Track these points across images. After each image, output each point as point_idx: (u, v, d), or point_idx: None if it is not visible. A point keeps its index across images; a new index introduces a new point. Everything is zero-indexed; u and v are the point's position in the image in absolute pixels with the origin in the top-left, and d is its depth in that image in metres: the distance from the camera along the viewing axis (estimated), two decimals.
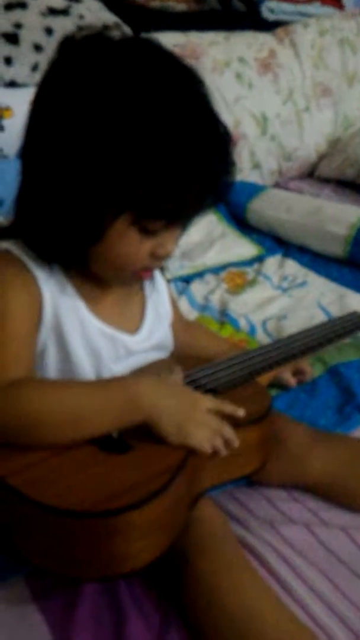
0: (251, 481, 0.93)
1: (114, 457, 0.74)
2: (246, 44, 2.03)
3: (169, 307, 0.98)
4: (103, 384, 0.80)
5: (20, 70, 1.65)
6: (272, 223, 1.73)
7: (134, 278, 0.84)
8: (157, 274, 0.94)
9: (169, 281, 1.01)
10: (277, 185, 2.06)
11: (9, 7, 1.70)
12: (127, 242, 0.76)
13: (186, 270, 1.54)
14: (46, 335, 0.81)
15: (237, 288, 1.51)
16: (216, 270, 1.57)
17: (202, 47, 1.93)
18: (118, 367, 0.87)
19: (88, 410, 0.74)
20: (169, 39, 1.81)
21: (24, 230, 0.79)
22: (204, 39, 1.97)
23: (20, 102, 1.53)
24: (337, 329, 1.13)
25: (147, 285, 0.93)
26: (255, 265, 1.61)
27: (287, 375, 1.12)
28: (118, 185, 0.71)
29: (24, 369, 0.77)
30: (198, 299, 1.45)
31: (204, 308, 1.42)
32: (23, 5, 1.72)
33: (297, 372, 1.14)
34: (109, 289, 0.86)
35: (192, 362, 0.94)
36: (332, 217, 1.63)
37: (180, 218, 0.78)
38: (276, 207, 1.73)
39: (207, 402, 0.79)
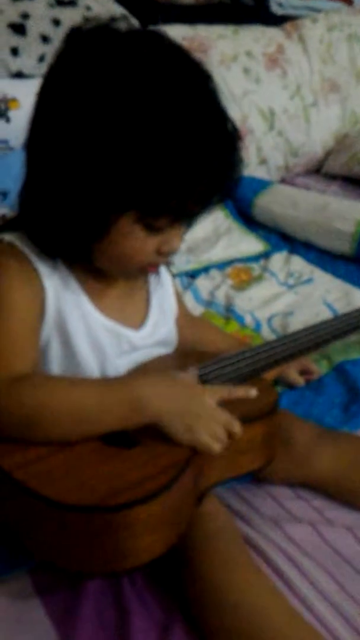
0: (256, 478, 0.93)
1: (120, 452, 0.73)
2: (254, 39, 2.02)
3: (174, 302, 0.97)
4: (109, 384, 0.79)
5: (27, 61, 1.64)
6: (278, 219, 1.72)
7: (140, 273, 0.83)
8: (163, 268, 0.93)
9: (174, 276, 1.00)
10: (283, 181, 2.05)
11: None
12: (132, 238, 0.75)
13: (192, 265, 1.53)
14: (49, 330, 0.80)
15: (243, 284, 1.50)
16: (221, 265, 1.57)
17: (209, 41, 1.92)
18: (122, 362, 0.87)
19: (92, 411, 0.73)
20: (177, 32, 1.81)
21: (27, 224, 0.78)
22: (211, 32, 1.95)
23: (27, 94, 1.51)
24: (344, 326, 1.13)
25: (152, 280, 0.93)
26: (261, 262, 1.61)
27: (294, 374, 1.12)
28: (122, 182, 0.70)
29: (28, 363, 0.77)
30: (203, 295, 1.45)
31: (209, 304, 1.42)
32: None
33: (304, 372, 1.13)
34: (113, 284, 0.85)
35: (197, 357, 0.93)
36: (339, 213, 1.62)
37: (186, 216, 0.77)
38: (283, 203, 1.73)
39: (217, 393, 0.78)
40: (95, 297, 0.83)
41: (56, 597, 0.75)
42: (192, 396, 0.77)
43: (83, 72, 0.70)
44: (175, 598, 0.76)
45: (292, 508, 0.90)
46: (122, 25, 0.73)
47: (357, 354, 1.22)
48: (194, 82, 0.72)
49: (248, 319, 1.36)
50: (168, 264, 0.94)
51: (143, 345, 0.89)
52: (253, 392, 0.80)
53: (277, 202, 1.73)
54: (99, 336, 0.84)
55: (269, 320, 1.37)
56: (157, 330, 0.91)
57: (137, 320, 0.90)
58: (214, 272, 1.54)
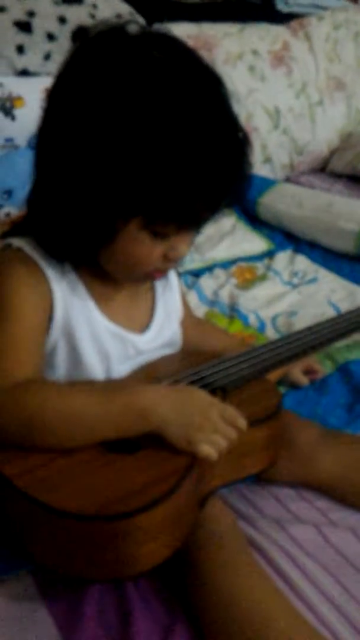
0: (260, 480, 0.93)
1: (121, 458, 0.73)
2: (260, 36, 2.01)
3: (180, 304, 0.97)
4: (109, 394, 0.76)
5: (32, 59, 1.63)
6: (282, 218, 1.72)
7: (146, 278, 0.83)
8: (172, 272, 0.93)
9: (179, 275, 1.00)
10: (288, 179, 2.05)
11: None
12: (138, 244, 0.75)
13: (196, 264, 1.53)
14: (56, 335, 0.80)
15: (247, 283, 1.50)
16: (226, 264, 1.56)
17: (215, 39, 1.91)
18: (127, 367, 0.87)
19: (92, 421, 0.72)
20: (182, 30, 1.80)
21: (35, 228, 0.78)
22: (217, 30, 1.95)
23: (32, 92, 1.52)
24: (348, 324, 1.12)
25: (160, 283, 0.92)
26: (266, 261, 1.61)
27: (298, 374, 1.11)
28: (129, 188, 0.69)
29: (32, 369, 0.76)
30: (207, 294, 1.44)
31: (213, 303, 1.41)
32: None
33: (308, 372, 1.13)
34: (119, 287, 0.85)
35: (201, 358, 0.93)
36: (344, 212, 1.62)
37: (193, 222, 0.77)
38: (287, 202, 1.72)
39: (221, 410, 0.76)
40: (102, 302, 0.83)
41: (59, 597, 0.75)
42: (194, 405, 0.75)
43: (92, 77, 0.69)
44: (178, 599, 0.76)
45: (295, 509, 0.90)
46: (132, 28, 0.72)
47: None
48: (205, 88, 0.71)
49: (252, 319, 1.36)
50: (176, 269, 0.94)
51: (148, 349, 0.89)
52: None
53: (282, 201, 1.73)
54: (104, 342, 0.83)
55: (273, 319, 1.36)
56: (162, 334, 0.91)
57: (141, 324, 0.89)
58: (218, 271, 1.54)
